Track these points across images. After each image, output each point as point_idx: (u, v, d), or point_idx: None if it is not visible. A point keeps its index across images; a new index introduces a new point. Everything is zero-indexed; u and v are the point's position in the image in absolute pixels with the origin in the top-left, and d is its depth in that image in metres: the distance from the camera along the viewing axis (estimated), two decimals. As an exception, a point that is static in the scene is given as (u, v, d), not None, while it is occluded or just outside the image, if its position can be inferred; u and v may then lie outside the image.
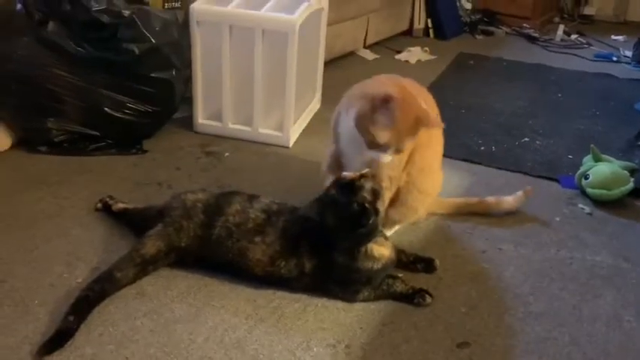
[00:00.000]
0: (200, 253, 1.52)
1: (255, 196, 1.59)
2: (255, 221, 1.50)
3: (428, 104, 1.63)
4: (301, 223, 1.49)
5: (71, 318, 1.32)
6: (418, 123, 1.48)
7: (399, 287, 1.50)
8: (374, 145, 1.49)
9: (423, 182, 1.69)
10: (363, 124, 1.49)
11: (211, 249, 1.50)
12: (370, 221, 1.38)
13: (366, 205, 1.38)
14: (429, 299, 1.48)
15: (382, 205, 1.46)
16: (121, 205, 1.73)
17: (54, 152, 2.09)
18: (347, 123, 1.55)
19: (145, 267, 1.49)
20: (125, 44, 2.02)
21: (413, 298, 1.49)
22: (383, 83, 1.59)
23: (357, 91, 1.60)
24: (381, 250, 1.46)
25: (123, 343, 1.30)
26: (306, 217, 1.48)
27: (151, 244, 1.50)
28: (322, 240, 1.44)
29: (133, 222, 1.65)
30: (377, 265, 1.44)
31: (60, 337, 1.29)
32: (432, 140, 1.70)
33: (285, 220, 1.51)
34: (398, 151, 1.51)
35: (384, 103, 1.45)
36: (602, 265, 1.71)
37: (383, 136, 1.46)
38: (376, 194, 1.42)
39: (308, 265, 1.45)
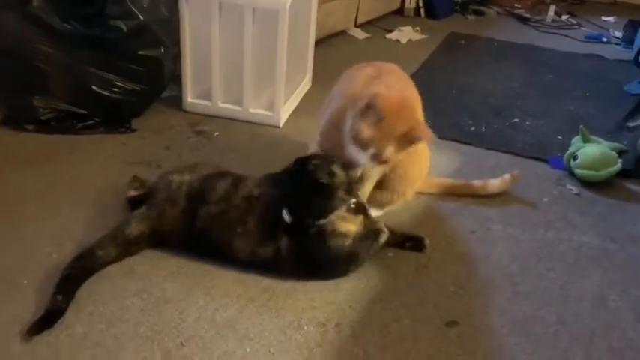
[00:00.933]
0: (183, 239, 1.52)
1: (242, 178, 1.57)
2: (237, 209, 1.49)
3: (411, 94, 1.61)
4: (275, 201, 1.48)
5: (59, 297, 1.32)
6: (409, 135, 1.43)
7: (383, 238, 1.54)
8: (357, 141, 1.44)
9: (410, 167, 1.70)
10: (353, 121, 1.46)
11: (193, 238, 1.50)
12: (328, 196, 1.42)
13: (327, 182, 1.42)
14: (427, 242, 1.61)
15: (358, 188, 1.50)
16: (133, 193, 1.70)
17: (41, 131, 2.06)
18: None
19: (127, 247, 1.49)
20: (113, 21, 1.99)
21: (404, 243, 1.60)
22: (369, 75, 1.58)
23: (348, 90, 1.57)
24: (347, 226, 1.46)
25: (113, 322, 1.31)
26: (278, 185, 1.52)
27: (135, 226, 1.50)
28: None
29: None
30: (347, 241, 1.45)
31: (49, 317, 1.29)
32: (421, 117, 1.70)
33: (263, 204, 1.49)
34: (379, 158, 1.46)
35: (372, 102, 1.41)
36: (589, 245, 1.73)
37: (366, 131, 1.42)
38: (351, 185, 1.48)
39: (284, 245, 1.44)
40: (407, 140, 1.45)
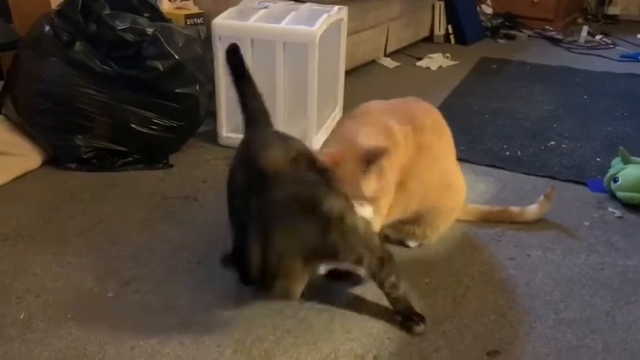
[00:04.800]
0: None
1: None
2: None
3: (437, 125, 1.61)
4: None
5: None
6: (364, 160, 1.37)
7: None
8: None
9: (445, 201, 1.67)
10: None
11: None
12: None
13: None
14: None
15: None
16: None
17: (83, 169, 2.14)
18: None
19: None
20: (149, 61, 2.07)
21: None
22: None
23: None
24: None
25: (154, 356, 1.32)
26: None
27: None
28: None
29: None
30: None
31: None
32: (448, 150, 1.67)
33: None
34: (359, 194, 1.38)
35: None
36: (634, 269, 1.67)
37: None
38: None
39: None
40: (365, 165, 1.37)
